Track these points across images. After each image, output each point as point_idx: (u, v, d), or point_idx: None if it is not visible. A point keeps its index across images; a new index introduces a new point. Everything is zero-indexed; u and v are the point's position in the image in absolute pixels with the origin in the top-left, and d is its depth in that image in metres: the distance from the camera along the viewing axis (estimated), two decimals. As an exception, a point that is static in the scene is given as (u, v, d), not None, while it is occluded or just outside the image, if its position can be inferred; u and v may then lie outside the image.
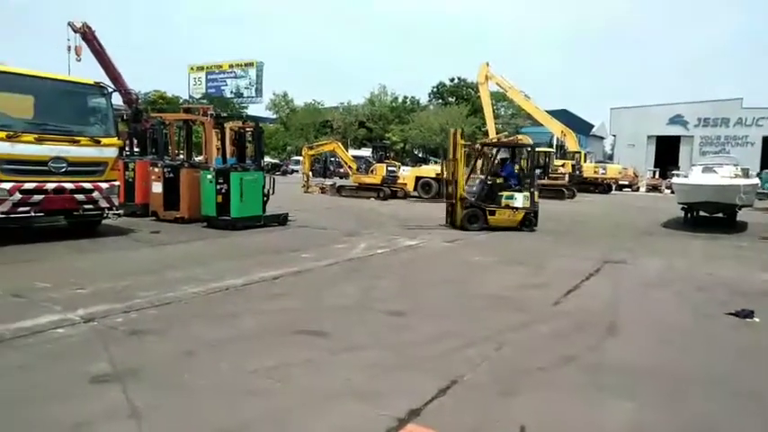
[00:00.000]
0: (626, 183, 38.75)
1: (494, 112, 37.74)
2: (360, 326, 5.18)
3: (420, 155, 55.18)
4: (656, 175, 44.57)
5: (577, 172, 31.09)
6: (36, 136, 8.43)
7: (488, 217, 12.33)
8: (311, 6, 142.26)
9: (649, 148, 55.42)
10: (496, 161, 14.19)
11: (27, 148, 8.32)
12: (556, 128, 31.46)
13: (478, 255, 9.47)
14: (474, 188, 13.00)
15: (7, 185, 8.15)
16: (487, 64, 31.68)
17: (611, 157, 56.65)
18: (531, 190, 12.75)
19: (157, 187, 12.27)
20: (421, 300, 6.28)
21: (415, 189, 23.77)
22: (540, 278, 7.74)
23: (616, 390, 3.85)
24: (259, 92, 59.51)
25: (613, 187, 35.60)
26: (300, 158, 30.46)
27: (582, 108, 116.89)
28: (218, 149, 12.93)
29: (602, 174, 35.03)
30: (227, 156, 12.96)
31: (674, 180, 18.08)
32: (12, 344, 4.24)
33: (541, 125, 33.41)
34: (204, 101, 49.63)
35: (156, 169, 12.35)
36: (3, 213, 8.19)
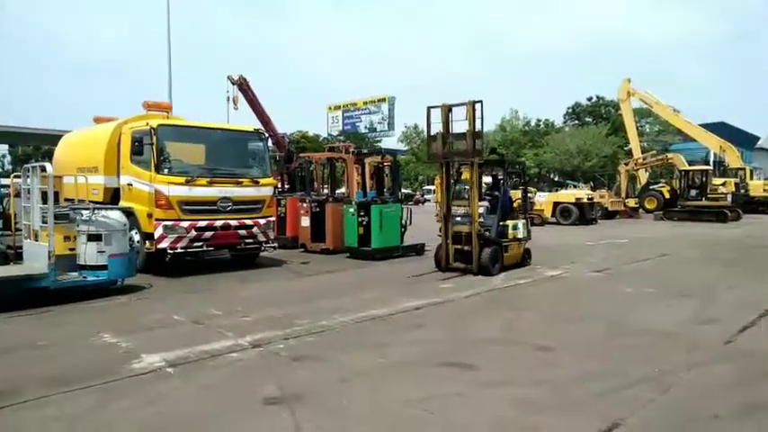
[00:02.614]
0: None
1: (638, 129, 35.25)
2: (507, 360, 5.09)
3: (556, 179, 53.00)
4: None
5: (742, 191, 27.69)
6: (208, 180, 9.62)
7: (504, 254, 9.97)
8: (438, 37, 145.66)
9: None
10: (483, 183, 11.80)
11: (201, 191, 9.51)
12: (713, 143, 28.50)
13: (631, 286, 8.80)
14: (482, 219, 10.09)
15: (185, 224, 9.36)
16: (629, 80, 29.89)
17: (784, 172, 49.50)
18: (527, 216, 11.22)
19: (305, 221, 13.24)
20: (571, 334, 6.00)
21: (552, 215, 22.87)
22: (707, 312, 6.98)
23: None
24: (391, 125, 61.64)
25: (790, 206, 31.02)
26: (433, 188, 30.89)
27: (743, 119, 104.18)
28: (358, 184, 13.65)
29: (774, 191, 30.74)
30: (367, 189, 13.60)
31: None
32: (197, 365, 4.83)
33: (694, 141, 30.44)
34: (341, 137, 52.58)
35: (305, 204, 13.34)
36: (181, 248, 9.40)
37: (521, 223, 10.50)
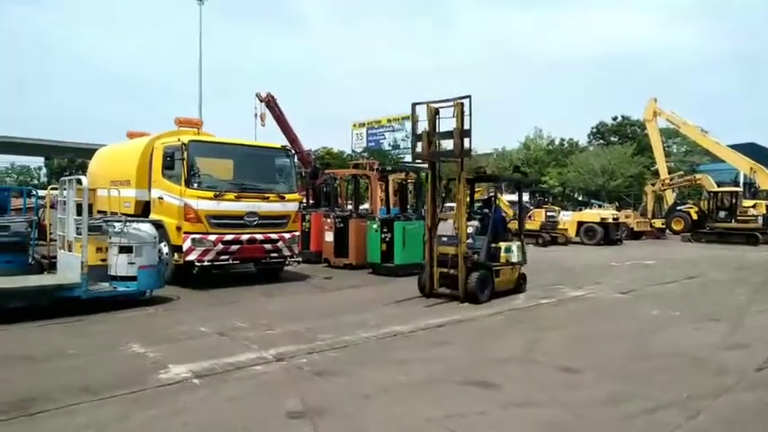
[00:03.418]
0: None
1: (665, 149, 34.75)
2: (529, 380, 5.06)
3: (580, 198, 52.39)
4: None
5: (774, 212, 26.94)
6: (235, 194, 9.83)
7: (495, 279, 9.00)
8: (458, 56, 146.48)
9: None
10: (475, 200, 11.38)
11: (228, 205, 9.71)
12: (742, 164, 27.81)
13: (657, 308, 8.65)
14: (470, 240, 9.29)
15: (213, 237, 9.55)
16: (655, 100, 29.53)
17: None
18: (522, 238, 10.12)
19: (329, 236, 13.36)
20: (594, 356, 5.93)
21: (576, 234, 22.62)
22: (736, 337, 6.82)
23: None
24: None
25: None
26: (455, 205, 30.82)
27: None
28: (382, 200, 13.75)
29: (809, 214, 29.82)
30: (391, 206, 13.69)
31: None
32: (222, 377, 4.92)
33: (723, 161, 29.84)
34: (365, 154, 53.03)
35: (329, 220, 13.48)
36: (208, 261, 9.58)
37: (515, 246, 9.53)
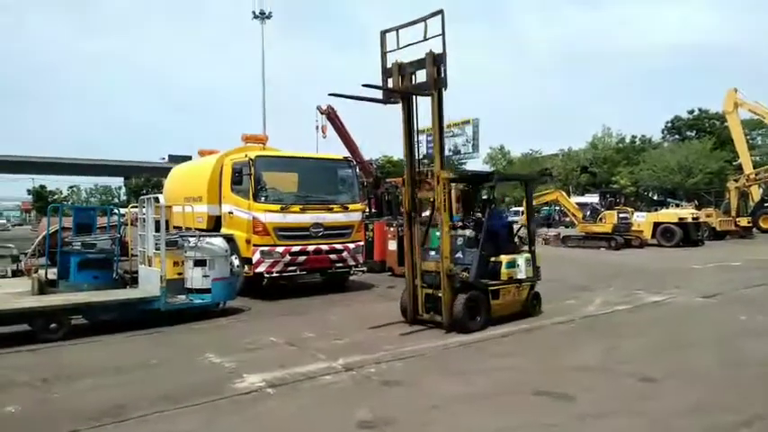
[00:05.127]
0: None
1: (748, 142, 32.46)
2: (605, 391, 4.85)
3: (654, 197, 49.79)
4: None
5: None
6: (301, 207, 10.09)
7: (491, 301, 7.33)
8: (525, 57, 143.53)
9: None
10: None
11: (295, 218, 9.99)
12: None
13: (745, 313, 8.07)
14: (459, 255, 7.72)
15: (280, 249, 9.84)
16: (735, 90, 27.70)
17: None
18: (532, 249, 8.22)
19: (392, 245, 13.40)
20: (676, 364, 5.60)
21: (653, 236, 21.51)
22: (838, 345, 6.25)
23: None
24: (476, 147, 61.21)
25: None
26: (521, 209, 30.15)
27: None
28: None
29: None
30: (454, 212, 13.54)
31: None
32: (294, 386, 5.04)
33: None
34: (426, 161, 53.00)
35: (391, 229, 13.54)
36: (277, 272, 9.87)
37: (522, 259, 7.74)
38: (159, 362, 6.03)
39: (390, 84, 7.46)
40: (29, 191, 67.82)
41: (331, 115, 23.40)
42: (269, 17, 40.86)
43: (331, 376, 5.32)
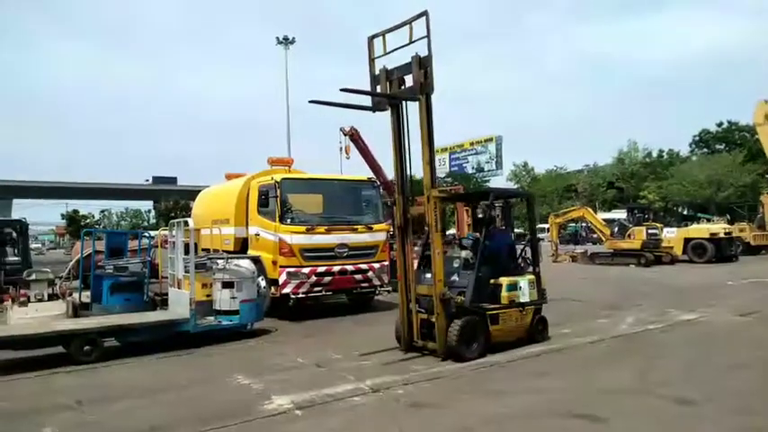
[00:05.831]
0: None
1: (781, 154, 31.58)
2: (641, 413, 4.71)
3: (684, 212, 48.71)
4: None
5: None
6: (326, 228, 10.17)
7: (491, 327, 6.89)
8: (547, 72, 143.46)
9: None
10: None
11: (320, 238, 10.07)
12: None
13: (785, 331, 7.80)
14: (454, 278, 7.21)
15: (306, 270, 9.90)
16: (766, 101, 27.07)
17: None
18: (537, 270, 7.72)
19: (416, 265, 13.35)
20: (714, 386, 5.42)
21: (683, 252, 21.01)
22: None
23: None
24: (499, 164, 60.90)
25: None
26: (546, 226, 29.79)
27: None
28: (468, 225, 13.57)
29: None
30: (465, 232, 13.49)
31: None
32: (323, 408, 5.01)
33: None
34: (448, 179, 52.84)
35: (416, 248, 13.49)
36: (303, 293, 9.93)
37: (524, 281, 7.32)
38: (189, 383, 6.09)
39: (378, 88, 7.16)
40: (62, 215, 69.78)
41: (354, 136, 23.54)
42: (292, 42, 41.62)
43: (359, 398, 5.29)
